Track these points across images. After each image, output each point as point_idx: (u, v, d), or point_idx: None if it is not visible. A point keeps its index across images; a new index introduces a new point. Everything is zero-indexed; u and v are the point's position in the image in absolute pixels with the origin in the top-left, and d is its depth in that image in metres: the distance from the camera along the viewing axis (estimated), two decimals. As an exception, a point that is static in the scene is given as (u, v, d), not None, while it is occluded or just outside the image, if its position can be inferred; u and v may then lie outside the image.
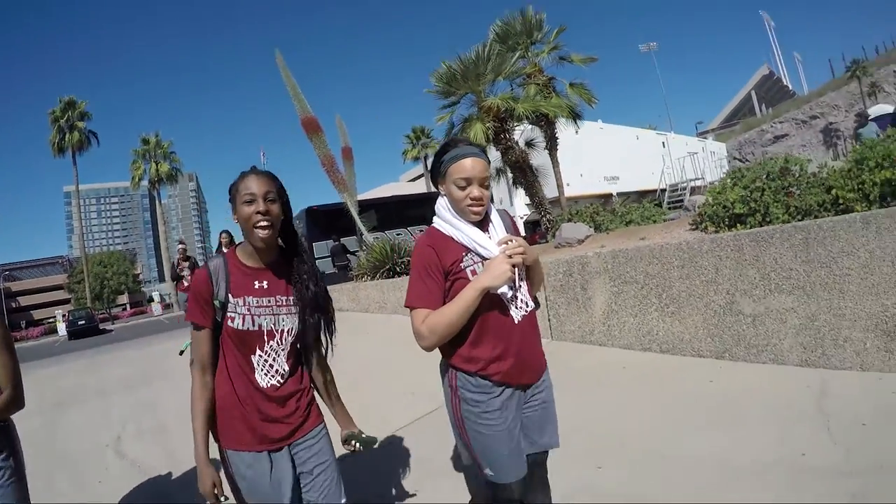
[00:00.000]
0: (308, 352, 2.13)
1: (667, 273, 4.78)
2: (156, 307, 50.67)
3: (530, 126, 16.71)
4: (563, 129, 16.84)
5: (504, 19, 16.19)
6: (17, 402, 2.24)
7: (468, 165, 1.92)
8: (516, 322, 1.97)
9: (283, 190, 2.02)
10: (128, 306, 68.70)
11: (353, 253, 15.43)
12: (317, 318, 2.07)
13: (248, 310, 1.94)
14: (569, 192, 20.08)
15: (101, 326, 32.61)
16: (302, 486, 2.01)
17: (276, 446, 1.95)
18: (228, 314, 1.93)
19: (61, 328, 32.64)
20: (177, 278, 9.02)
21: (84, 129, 39.51)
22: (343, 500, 2.06)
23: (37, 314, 65.87)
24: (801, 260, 3.89)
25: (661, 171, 27.68)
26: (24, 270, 77.78)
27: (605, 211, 10.79)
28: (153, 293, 61.19)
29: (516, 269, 1.91)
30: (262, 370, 1.95)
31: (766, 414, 3.32)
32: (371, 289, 10.48)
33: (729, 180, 6.20)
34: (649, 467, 2.89)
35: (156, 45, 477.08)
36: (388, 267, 10.83)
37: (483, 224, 2.01)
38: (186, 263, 9.06)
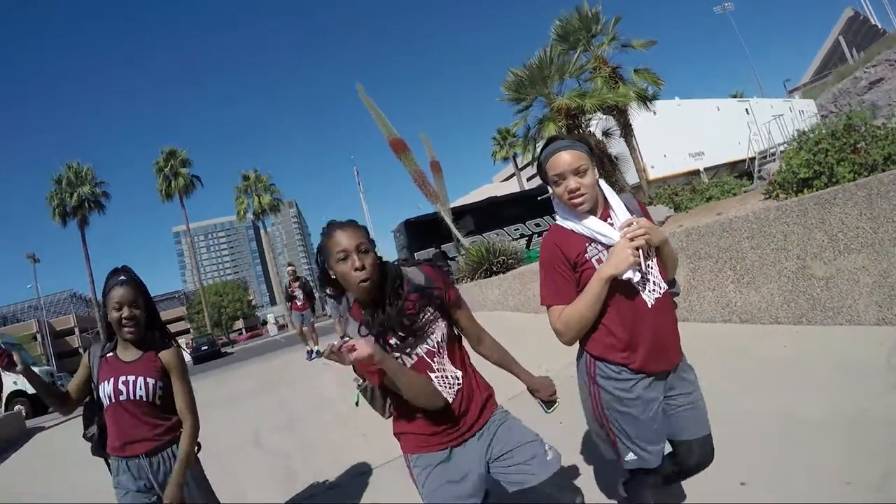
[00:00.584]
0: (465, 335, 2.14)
1: (738, 245, 4.92)
2: (271, 328, 53.99)
3: (603, 116, 16.65)
4: (637, 114, 16.65)
5: (561, 18, 16.34)
6: (197, 431, 2.67)
7: (557, 161, 1.91)
8: (649, 306, 1.93)
9: (369, 238, 1.95)
10: (244, 330, 73.07)
11: (453, 258, 16.06)
12: (450, 309, 2.05)
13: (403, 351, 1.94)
14: (654, 174, 19.93)
15: (223, 350, 35.17)
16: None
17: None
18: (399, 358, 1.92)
19: (185, 355, 35.38)
20: (290, 298, 9.85)
21: (187, 175, 42.54)
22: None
23: None
24: (867, 217, 3.92)
25: (748, 139, 26.59)
26: None
27: (684, 190, 10.80)
28: (267, 316, 65.11)
29: (640, 252, 1.86)
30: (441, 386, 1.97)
31: (835, 372, 3.46)
32: (471, 289, 11.06)
33: (795, 144, 6.19)
34: (718, 423, 3.14)
35: (244, 82, 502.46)
36: (484, 267, 11.34)
37: (603, 211, 1.99)
38: (297, 283, 9.87)
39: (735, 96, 36.38)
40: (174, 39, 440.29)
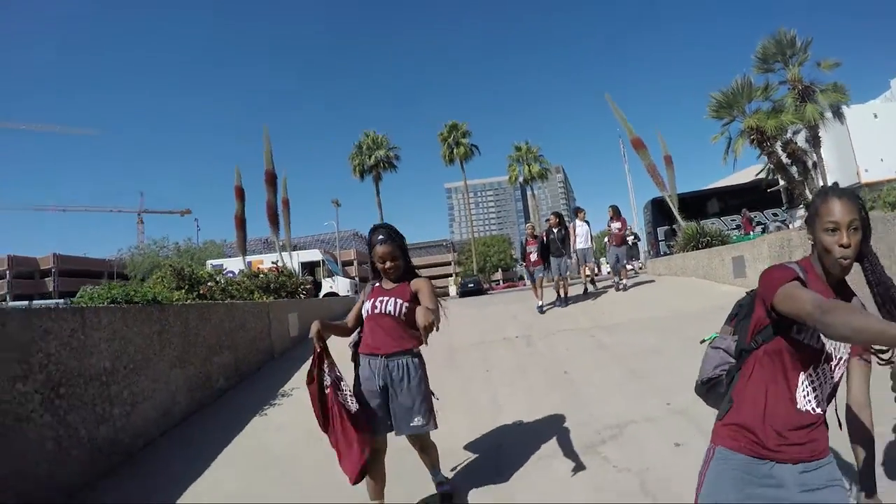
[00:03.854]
0: None
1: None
2: (528, 283, 58.35)
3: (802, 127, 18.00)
4: (828, 126, 18.03)
5: (763, 43, 17.92)
6: (438, 317, 2.90)
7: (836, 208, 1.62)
8: None
9: (867, 218, 1.64)
10: (501, 281, 79.04)
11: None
12: None
13: None
14: (868, 178, 19.32)
15: (485, 289, 40.18)
16: None
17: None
18: None
19: (452, 290, 40.29)
20: (524, 254, 10.56)
21: (468, 145, 47.82)
22: None
23: None
24: None
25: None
26: (413, 251, 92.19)
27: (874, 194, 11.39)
28: (523, 272, 69.79)
29: None
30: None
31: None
32: (678, 259, 13.74)
33: None
34: None
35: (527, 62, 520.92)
36: (692, 244, 13.46)
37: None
38: (535, 241, 10.34)
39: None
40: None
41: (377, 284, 3.22)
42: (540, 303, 10.22)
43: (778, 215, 21.36)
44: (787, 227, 16.49)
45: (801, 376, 1.65)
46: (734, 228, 20.69)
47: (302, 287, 11.07)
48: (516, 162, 48.71)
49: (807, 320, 1.42)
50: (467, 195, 56.90)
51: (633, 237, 14.89)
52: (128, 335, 4.73)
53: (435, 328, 2.54)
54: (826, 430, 1.69)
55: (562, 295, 10.49)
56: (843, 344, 1.61)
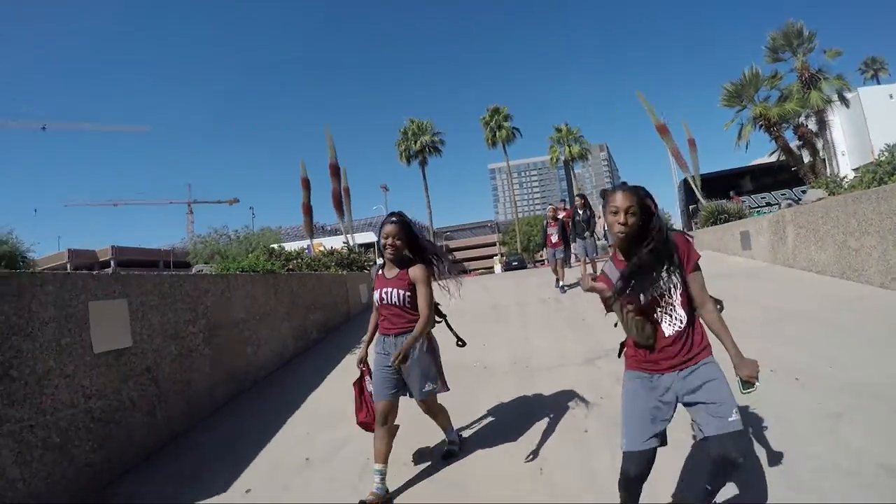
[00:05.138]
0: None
1: (818, 221, 7.49)
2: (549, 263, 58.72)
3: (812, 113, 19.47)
4: (845, 108, 19.90)
5: (772, 35, 19.37)
6: (432, 322, 3.44)
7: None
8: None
9: (649, 205, 2.27)
10: (546, 260, 79.46)
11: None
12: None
13: None
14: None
15: (527, 266, 41.29)
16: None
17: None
18: None
19: (497, 268, 41.22)
20: (545, 236, 10.49)
21: (509, 128, 48.58)
22: None
23: (470, 265, 78.91)
24: (877, 212, 6.14)
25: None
26: (458, 232, 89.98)
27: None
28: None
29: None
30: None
31: (826, 307, 6.08)
32: (698, 234, 14.68)
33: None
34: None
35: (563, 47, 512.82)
36: (711, 221, 14.56)
37: None
38: (555, 223, 10.35)
39: None
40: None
41: (380, 272, 3.49)
42: (561, 283, 10.13)
43: (786, 195, 21.97)
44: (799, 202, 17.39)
45: (655, 314, 2.32)
46: (764, 206, 21.38)
47: (367, 263, 12.59)
48: (557, 143, 49.22)
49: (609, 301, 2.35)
50: (510, 177, 57.68)
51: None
52: (254, 295, 6.29)
53: (402, 362, 3.24)
54: (697, 336, 2.31)
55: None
56: (666, 281, 2.27)
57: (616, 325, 2.45)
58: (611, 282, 2.34)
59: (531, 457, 3.52)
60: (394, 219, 3.38)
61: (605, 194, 2.32)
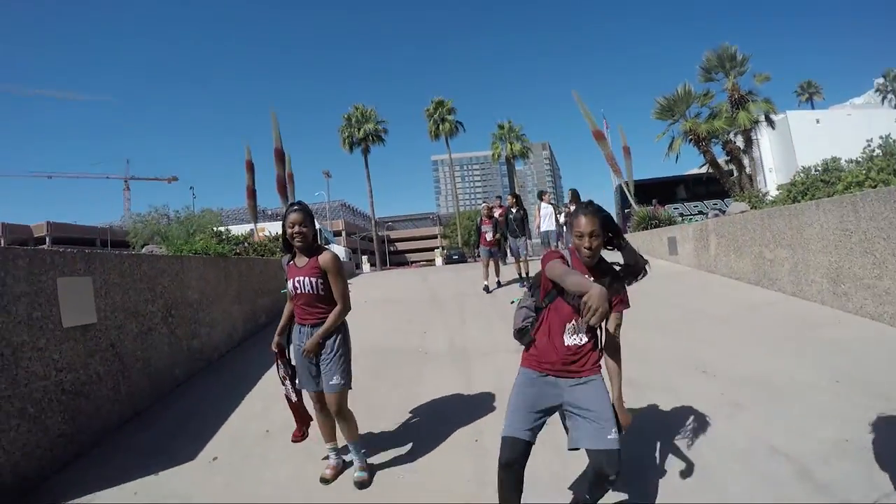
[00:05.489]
0: None
1: (738, 232, 8.25)
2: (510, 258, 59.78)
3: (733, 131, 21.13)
4: (774, 130, 22.33)
5: (706, 55, 20.92)
6: (346, 311, 3.40)
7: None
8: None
9: (610, 223, 2.53)
10: (478, 257, 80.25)
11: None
12: None
13: None
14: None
15: (467, 260, 41.96)
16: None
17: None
18: None
19: (438, 261, 41.36)
20: (479, 232, 10.18)
21: (453, 121, 48.70)
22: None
23: (410, 257, 78.54)
24: (790, 227, 6.85)
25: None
26: (400, 223, 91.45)
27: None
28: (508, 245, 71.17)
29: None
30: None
31: (739, 310, 7.04)
32: (633, 237, 15.36)
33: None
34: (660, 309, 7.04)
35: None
36: (643, 226, 15.43)
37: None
38: (490, 221, 10.06)
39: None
40: None
41: (291, 262, 3.41)
42: (486, 283, 9.82)
43: (717, 205, 23.51)
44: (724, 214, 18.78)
45: (568, 324, 2.49)
46: (697, 214, 22.81)
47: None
48: (499, 140, 49.69)
49: (556, 280, 2.35)
50: (452, 170, 58.04)
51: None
52: (206, 277, 6.45)
53: (311, 352, 3.30)
54: (594, 355, 2.51)
55: (523, 274, 10.28)
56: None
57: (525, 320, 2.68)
58: (564, 261, 2.47)
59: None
60: (296, 207, 3.36)
61: (569, 217, 2.71)
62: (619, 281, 2.53)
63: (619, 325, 2.55)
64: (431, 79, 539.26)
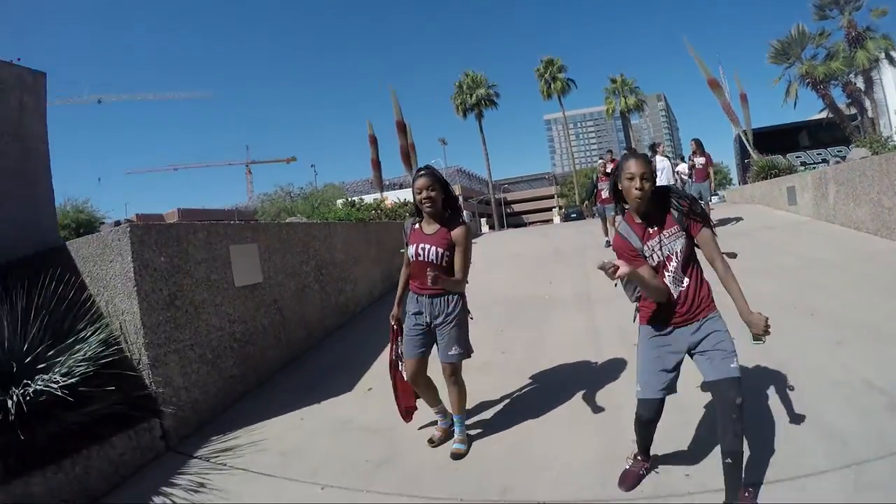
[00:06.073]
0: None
1: (856, 179, 7.59)
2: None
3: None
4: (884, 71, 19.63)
5: None
6: (464, 284, 3.26)
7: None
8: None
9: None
10: (594, 214, 77.73)
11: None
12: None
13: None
14: None
15: (585, 216, 41.14)
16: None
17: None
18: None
19: (556, 220, 41.31)
20: (594, 192, 10.22)
21: (564, 79, 47.36)
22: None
23: (527, 217, 75.89)
24: None
25: None
26: (516, 184, 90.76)
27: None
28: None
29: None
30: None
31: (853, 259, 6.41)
32: (749, 188, 15.29)
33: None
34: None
35: None
36: (762, 175, 14.34)
37: None
38: (608, 178, 9.26)
39: None
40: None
41: (416, 226, 3.29)
42: (606, 238, 9.71)
43: (842, 152, 21.12)
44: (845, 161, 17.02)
45: (664, 278, 2.50)
46: (820, 162, 20.64)
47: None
48: (612, 94, 47.85)
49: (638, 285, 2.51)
50: (567, 129, 56.68)
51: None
52: (350, 239, 7.06)
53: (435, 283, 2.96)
54: (703, 291, 2.51)
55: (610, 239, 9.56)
56: (665, 247, 2.47)
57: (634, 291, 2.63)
58: (626, 242, 2.54)
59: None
60: (422, 171, 3.21)
61: (620, 162, 2.55)
62: (680, 212, 2.48)
63: (709, 243, 2.48)
64: (540, 39, 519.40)
